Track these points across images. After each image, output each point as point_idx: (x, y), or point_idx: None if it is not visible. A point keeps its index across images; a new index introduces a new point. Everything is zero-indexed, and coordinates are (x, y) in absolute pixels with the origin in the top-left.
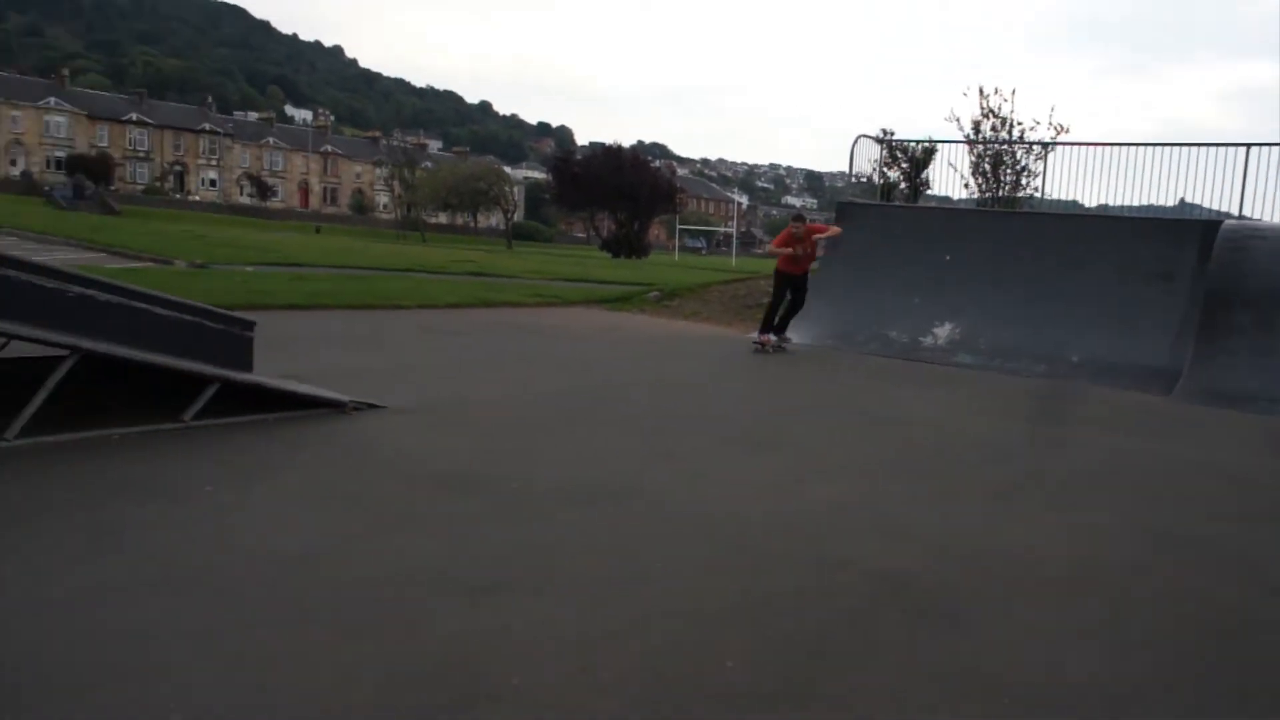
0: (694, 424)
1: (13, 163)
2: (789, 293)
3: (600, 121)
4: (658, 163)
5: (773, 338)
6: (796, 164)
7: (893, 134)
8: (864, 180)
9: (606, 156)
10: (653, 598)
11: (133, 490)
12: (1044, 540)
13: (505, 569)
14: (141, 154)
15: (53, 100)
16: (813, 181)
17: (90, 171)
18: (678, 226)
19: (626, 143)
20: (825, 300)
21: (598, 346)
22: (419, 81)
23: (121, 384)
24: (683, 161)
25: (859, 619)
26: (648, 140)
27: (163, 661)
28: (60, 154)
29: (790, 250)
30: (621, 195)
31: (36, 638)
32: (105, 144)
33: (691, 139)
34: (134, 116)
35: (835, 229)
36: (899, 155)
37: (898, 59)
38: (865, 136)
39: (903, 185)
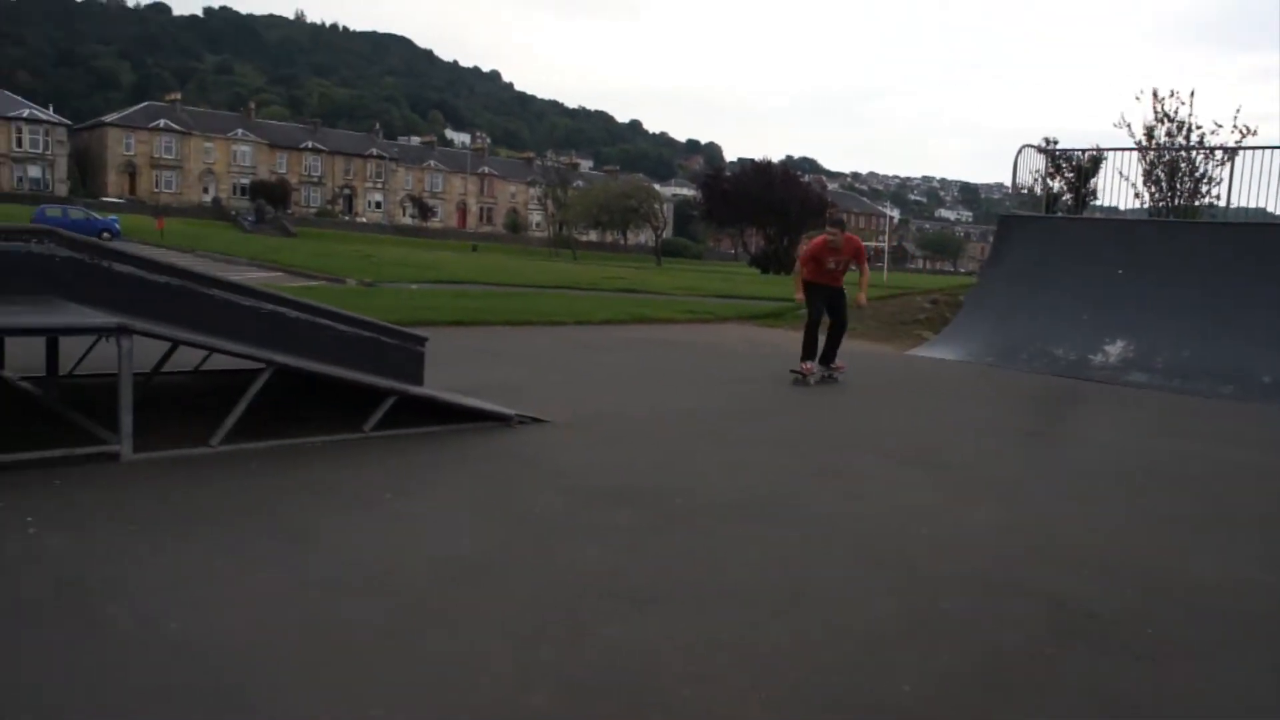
0: (851, 441)
1: (205, 190)
2: (826, 310)
3: (749, 137)
4: (807, 177)
5: (815, 366)
6: (951, 176)
7: (1056, 142)
8: (1025, 191)
9: (756, 172)
10: (819, 616)
11: (322, 495)
12: (1234, 571)
13: (669, 582)
14: (315, 179)
15: (240, 131)
16: (968, 194)
17: (270, 196)
18: None
19: (775, 158)
20: (985, 315)
21: (751, 363)
22: (571, 102)
23: (305, 395)
24: (832, 175)
25: (1037, 648)
26: (796, 155)
27: (353, 660)
28: (245, 181)
29: (819, 264)
30: (771, 211)
31: (242, 631)
32: (284, 170)
33: (841, 152)
34: (309, 144)
35: (868, 274)
36: (1063, 165)
37: (1059, 64)
38: (1029, 146)
39: (1066, 196)
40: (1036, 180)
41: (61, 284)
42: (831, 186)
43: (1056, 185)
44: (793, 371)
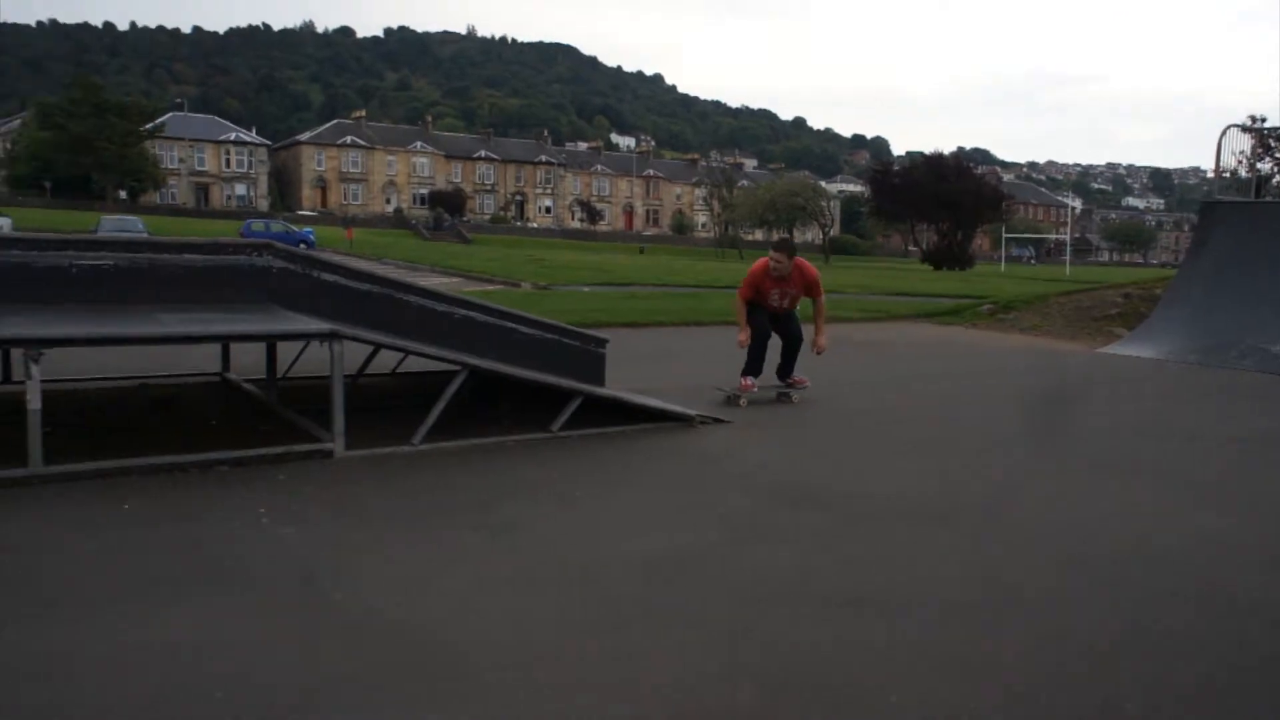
0: (1045, 444)
1: (387, 200)
2: (774, 329)
3: (916, 130)
4: (981, 169)
5: (756, 383)
6: (1139, 161)
7: (1264, 120)
8: (1228, 175)
9: (927, 165)
10: (1029, 625)
11: (517, 492)
12: None
13: (863, 584)
14: (488, 187)
15: (418, 144)
16: (1159, 180)
17: (447, 205)
18: (1004, 235)
19: (946, 150)
20: (1187, 310)
21: (934, 362)
22: (734, 102)
23: (491, 395)
24: (1007, 166)
25: (1275, 671)
26: (968, 146)
27: (561, 650)
28: (423, 191)
29: (762, 296)
30: (943, 205)
31: (457, 620)
32: (459, 180)
33: (1016, 142)
34: (482, 153)
35: (824, 311)
36: (1273, 144)
37: (1265, 35)
38: (1234, 126)
39: (1278, 178)
40: (1242, 163)
41: (278, 293)
42: (1007, 177)
43: (1266, 167)
44: (719, 389)
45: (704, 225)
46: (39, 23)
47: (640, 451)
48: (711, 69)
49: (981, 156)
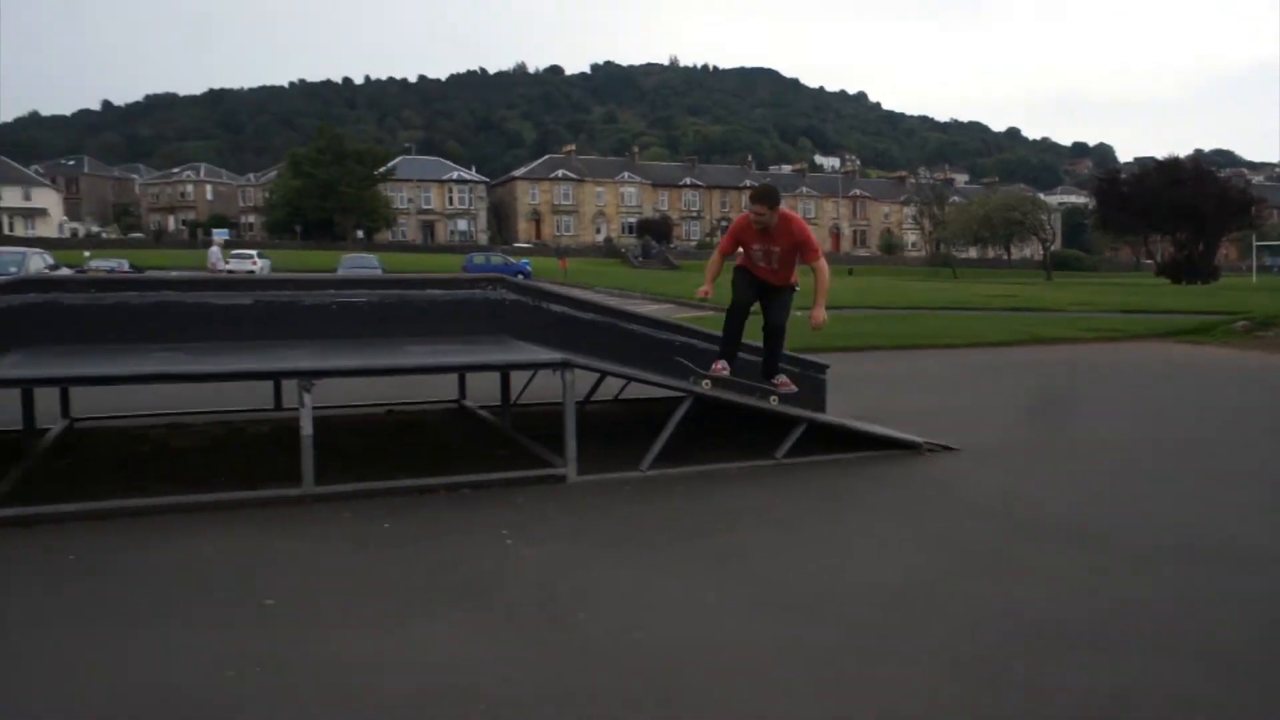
0: None
1: (597, 230)
2: (757, 300)
3: (1144, 134)
4: (1225, 172)
5: (726, 366)
6: None
7: None
8: None
9: (1160, 171)
10: None
11: (745, 518)
12: None
13: (1119, 627)
14: (694, 213)
15: (625, 174)
16: None
17: (654, 232)
18: (1254, 243)
19: (1181, 153)
20: None
21: (1178, 385)
22: (942, 116)
23: (713, 421)
24: (1256, 167)
25: None
26: (1207, 148)
27: (806, 679)
28: (631, 220)
29: (745, 251)
30: (1180, 213)
31: (700, 645)
32: (665, 207)
33: (1266, 139)
34: (687, 181)
35: (825, 278)
36: None
37: None
38: None
39: None
40: None
41: (510, 324)
42: (1255, 179)
43: None
44: (681, 361)
45: (914, 244)
46: (290, 83)
47: (866, 478)
48: (917, 83)
49: (1224, 159)
